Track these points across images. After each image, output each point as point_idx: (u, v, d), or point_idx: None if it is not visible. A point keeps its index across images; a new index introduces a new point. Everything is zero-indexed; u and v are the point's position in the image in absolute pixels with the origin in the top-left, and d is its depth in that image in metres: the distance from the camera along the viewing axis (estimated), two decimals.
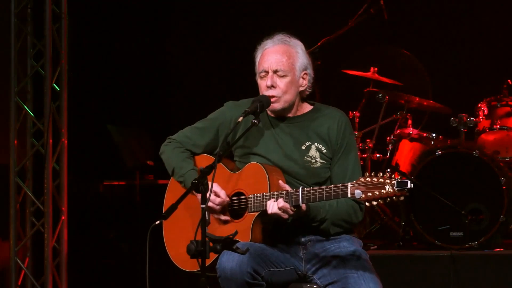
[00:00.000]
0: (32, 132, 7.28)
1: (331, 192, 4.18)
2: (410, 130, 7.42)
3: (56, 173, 7.23)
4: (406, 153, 7.35)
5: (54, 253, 7.18)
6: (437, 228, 6.61)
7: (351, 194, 4.08)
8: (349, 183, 4.10)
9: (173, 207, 4.02)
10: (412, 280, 6.35)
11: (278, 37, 4.51)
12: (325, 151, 4.47)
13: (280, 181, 4.35)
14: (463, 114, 7.00)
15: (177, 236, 4.57)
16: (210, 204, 4.41)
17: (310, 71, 4.52)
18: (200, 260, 3.93)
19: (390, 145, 7.44)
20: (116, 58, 8.49)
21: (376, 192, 3.99)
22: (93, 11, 8.28)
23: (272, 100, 4.45)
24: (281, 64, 4.43)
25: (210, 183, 4.08)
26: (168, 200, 4.67)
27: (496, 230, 6.56)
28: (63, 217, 7.20)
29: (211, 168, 4.13)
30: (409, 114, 7.56)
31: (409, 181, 3.94)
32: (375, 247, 6.89)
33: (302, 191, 4.23)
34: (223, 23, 8.87)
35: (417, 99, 7.57)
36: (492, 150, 7.03)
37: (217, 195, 4.44)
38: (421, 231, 6.64)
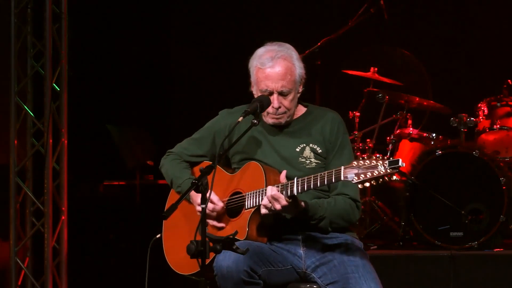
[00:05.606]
0: (32, 132, 7.27)
1: (325, 177, 4.20)
2: (410, 130, 7.42)
3: (56, 173, 7.22)
4: (406, 153, 7.35)
5: (54, 253, 7.17)
6: (437, 228, 6.61)
7: (344, 177, 4.10)
8: (342, 166, 4.12)
9: (173, 207, 4.03)
10: (412, 280, 6.35)
11: (275, 51, 4.46)
12: (320, 151, 4.50)
13: (282, 174, 4.34)
14: (463, 114, 7.00)
15: (175, 243, 4.59)
16: (206, 211, 4.44)
17: (304, 74, 4.52)
18: (200, 260, 3.94)
19: (390, 145, 7.43)
20: (116, 58, 8.49)
21: (369, 174, 4.01)
22: (93, 11, 8.28)
23: (277, 117, 4.48)
24: (286, 85, 4.44)
25: (210, 183, 4.09)
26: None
27: (496, 230, 6.56)
28: (63, 217, 7.20)
29: (211, 168, 4.14)
30: (409, 114, 7.56)
31: (400, 160, 3.96)
32: (375, 247, 6.88)
33: (296, 180, 4.25)
34: (224, 23, 8.87)
35: (417, 99, 7.57)
36: (492, 150, 7.03)
37: (214, 204, 4.47)
38: (421, 231, 6.64)
